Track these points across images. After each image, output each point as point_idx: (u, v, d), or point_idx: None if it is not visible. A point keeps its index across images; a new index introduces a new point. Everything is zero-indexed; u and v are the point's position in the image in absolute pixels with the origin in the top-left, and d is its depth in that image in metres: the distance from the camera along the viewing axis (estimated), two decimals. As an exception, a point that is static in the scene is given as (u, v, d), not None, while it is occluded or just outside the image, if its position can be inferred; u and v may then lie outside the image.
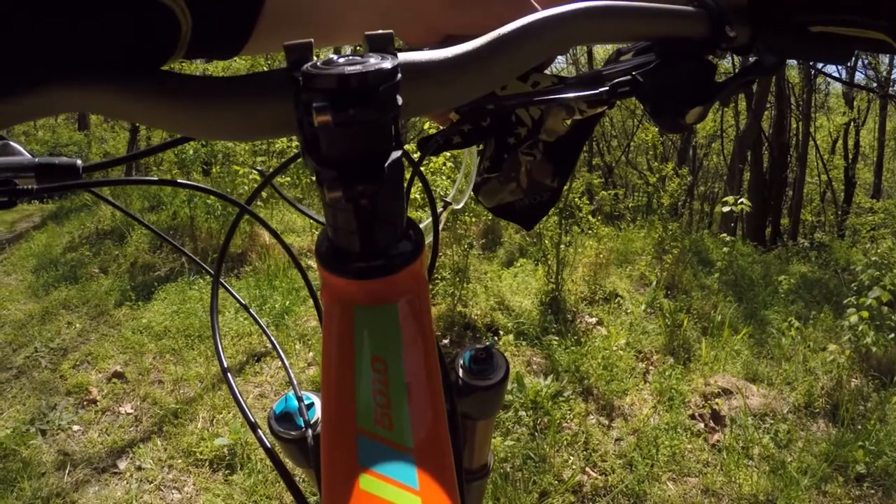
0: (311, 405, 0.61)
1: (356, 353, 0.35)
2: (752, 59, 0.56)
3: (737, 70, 0.58)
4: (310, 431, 0.58)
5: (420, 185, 0.52)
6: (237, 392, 0.47)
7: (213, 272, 0.60)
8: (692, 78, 0.52)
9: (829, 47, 0.52)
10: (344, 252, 0.37)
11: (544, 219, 4.80)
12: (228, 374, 0.50)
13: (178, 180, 0.59)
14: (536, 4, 0.51)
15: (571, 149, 0.63)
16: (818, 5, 0.50)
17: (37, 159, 0.51)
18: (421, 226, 0.43)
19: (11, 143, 0.53)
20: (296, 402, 0.60)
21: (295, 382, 0.61)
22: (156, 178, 0.58)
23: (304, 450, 0.60)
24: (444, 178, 4.34)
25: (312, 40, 0.33)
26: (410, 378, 0.35)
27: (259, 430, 0.46)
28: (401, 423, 0.33)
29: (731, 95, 0.54)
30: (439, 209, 0.71)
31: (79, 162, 0.51)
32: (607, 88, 0.49)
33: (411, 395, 0.34)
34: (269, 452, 0.46)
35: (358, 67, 0.31)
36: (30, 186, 0.49)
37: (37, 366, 3.73)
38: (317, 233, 5.28)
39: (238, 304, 4.33)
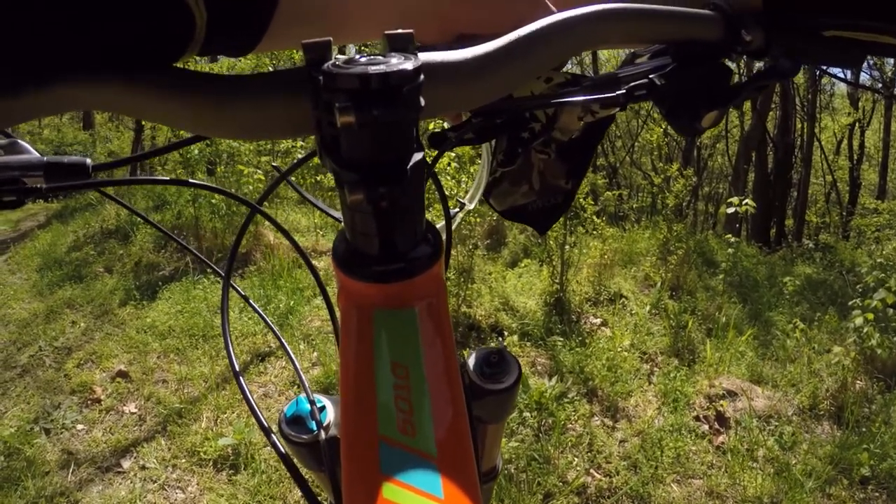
0: (322, 408, 0.60)
1: (376, 358, 0.35)
2: (765, 64, 0.55)
3: (751, 74, 0.58)
4: (322, 434, 0.58)
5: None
6: (251, 398, 0.46)
7: (223, 273, 0.60)
8: (708, 81, 0.51)
9: (842, 52, 0.52)
10: (363, 255, 0.37)
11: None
12: (241, 380, 0.49)
13: (189, 180, 0.58)
14: (551, 5, 0.51)
15: (584, 150, 0.63)
16: (833, 10, 0.50)
17: (45, 158, 0.50)
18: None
19: (20, 141, 0.52)
20: (307, 405, 0.60)
21: (307, 385, 0.61)
22: (166, 178, 0.58)
23: (317, 453, 0.59)
24: (448, 177, 4.33)
25: (331, 38, 0.33)
26: (432, 384, 0.35)
27: (273, 435, 0.46)
28: (423, 430, 0.33)
29: (746, 100, 0.54)
30: (455, 210, 0.71)
31: (88, 161, 0.51)
32: (624, 91, 0.48)
33: (433, 401, 0.34)
34: (284, 458, 0.46)
35: (381, 67, 0.31)
36: (38, 185, 0.49)
37: (41, 365, 3.74)
38: (321, 233, 5.26)
39: (244, 303, 4.33)
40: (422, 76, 0.32)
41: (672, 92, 0.50)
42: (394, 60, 0.32)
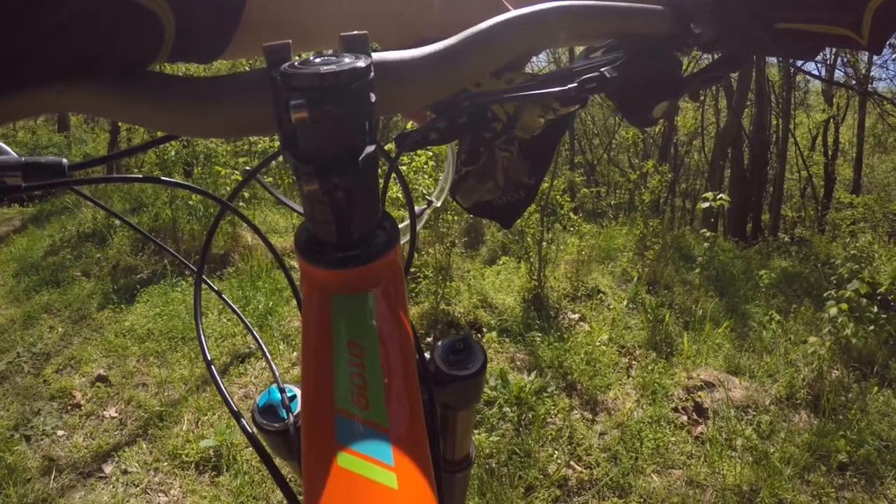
0: (293, 397, 0.62)
1: (333, 338, 0.37)
2: (718, 56, 0.57)
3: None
4: (292, 421, 0.59)
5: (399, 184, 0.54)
6: (219, 381, 0.48)
7: (194, 268, 0.61)
8: (659, 74, 0.53)
9: (794, 43, 0.53)
10: (321, 243, 0.39)
11: (526, 216, 4.78)
12: (212, 367, 0.51)
13: (162, 178, 0.60)
14: (508, 5, 0.53)
15: (547, 147, 0.65)
16: (781, 3, 0.52)
17: (23, 158, 0.51)
18: (401, 226, 0.44)
19: None
20: (279, 395, 0.61)
21: (277, 373, 0.62)
22: (140, 176, 0.59)
23: (288, 441, 0.61)
24: (425, 176, 4.34)
25: (290, 41, 0.35)
26: (385, 361, 0.37)
27: (242, 419, 0.47)
28: (377, 403, 0.34)
29: (699, 90, 0.56)
30: (423, 207, 0.73)
31: (64, 161, 0.52)
32: (576, 84, 0.50)
33: (386, 376, 0.36)
34: (251, 438, 0.47)
35: (332, 67, 0.33)
36: (17, 184, 0.50)
37: (19, 371, 3.70)
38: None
39: (222, 305, 4.31)
40: (372, 73, 0.34)
41: (624, 84, 0.52)
42: (346, 60, 0.35)
